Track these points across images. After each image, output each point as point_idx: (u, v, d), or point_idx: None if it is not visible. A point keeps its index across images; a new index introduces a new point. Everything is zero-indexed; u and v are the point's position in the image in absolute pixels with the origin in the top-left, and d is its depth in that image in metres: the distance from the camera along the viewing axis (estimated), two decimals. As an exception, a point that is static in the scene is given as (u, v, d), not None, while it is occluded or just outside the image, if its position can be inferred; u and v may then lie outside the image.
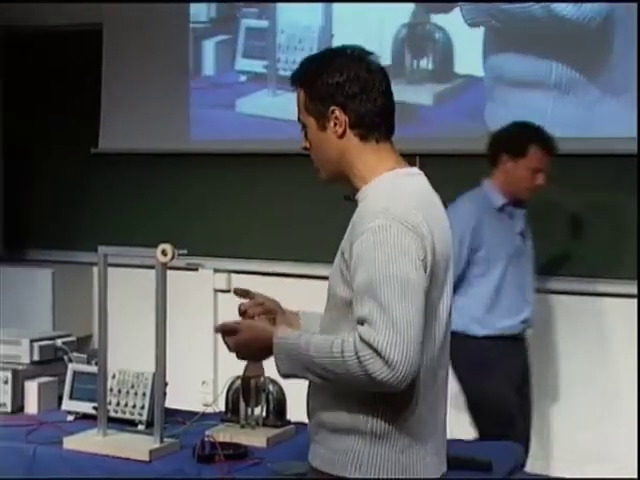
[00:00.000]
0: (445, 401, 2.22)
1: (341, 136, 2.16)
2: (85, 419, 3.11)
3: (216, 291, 5.33)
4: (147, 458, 2.77)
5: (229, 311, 5.38)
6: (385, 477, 2.08)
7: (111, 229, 5.45)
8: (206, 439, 2.79)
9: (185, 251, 2.75)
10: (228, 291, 5.28)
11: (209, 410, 3.22)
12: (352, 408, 2.10)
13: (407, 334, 1.96)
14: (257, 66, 5.12)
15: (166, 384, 2.95)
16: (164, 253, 2.74)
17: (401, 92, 4.67)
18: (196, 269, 5.25)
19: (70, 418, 3.17)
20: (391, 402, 2.07)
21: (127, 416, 3.08)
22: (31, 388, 3.29)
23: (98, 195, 5.60)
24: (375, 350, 1.95)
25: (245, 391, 2.99)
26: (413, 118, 4.68)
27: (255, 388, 2.99)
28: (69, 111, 5.65)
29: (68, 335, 3.59)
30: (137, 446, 2.83)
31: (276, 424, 3.04)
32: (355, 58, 2.17)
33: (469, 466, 2.71)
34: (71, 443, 2.89)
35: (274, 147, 5.00)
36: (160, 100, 5.35)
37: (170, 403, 3.04)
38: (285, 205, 5.14)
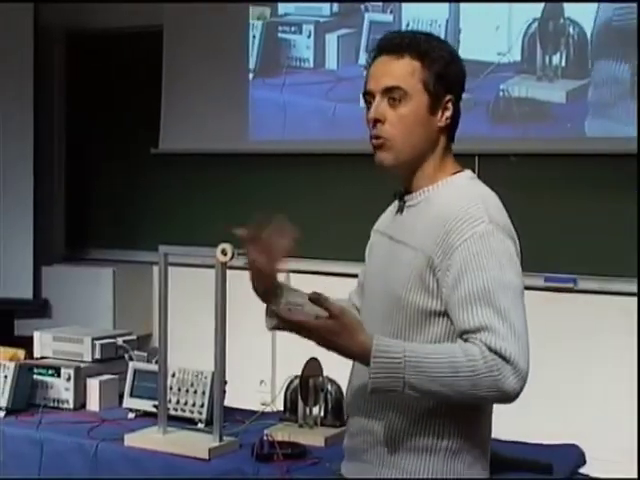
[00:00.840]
0: None
1: (442, 128, 2.12)
2: (145, 417, 3.14)
3: (275, 290, 5.34)
4: (206, 456, 2.78)
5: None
6: None
7: (171, 229, 5.49)
8: (265, 438, 2.80)
9: (244, 250, 2.76)
10: (288, 290, 5.29)
11: (267, 409, 3.24)
12: (431, 425, 2.03)
13: (525, 341, 1.92)
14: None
15: (225, 383, 2.96)
16: (224, 252, 2.75)
17: (531, 89, 4.61)
18: (255, 269, 5.28)
19: (131, 416, 3.20)
20: (470, 416, 2.03)
21: (187, 414, 3.10)
22: (93, 386, 3.33)
23: (158, 195, 5.65)
24: (504, 358, 1.88)
25: (303, 390, 2.99)
26: (544, 116, 4.57)
27: (314, 387, 3.00)
28: (130, 112, 5.71)
29: (129, 333, 3.63)
30: (197, 444, 2.84)
31: (334, 424, 3.04)
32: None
33: (530, 468, 2.69)
34: (132, 440, 2.92)
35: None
36: (221, 100, 5.38)
37: (229, 402, 3.06)
38: (347, 204, 5.12)
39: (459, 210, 2.02)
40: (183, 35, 5.48)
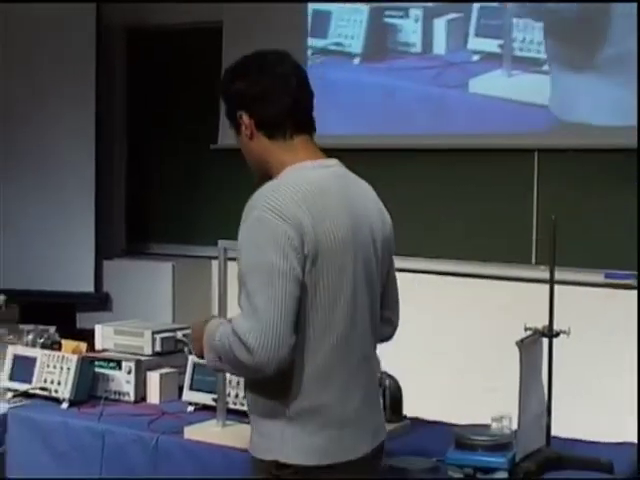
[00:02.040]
0: (366, 387, 2.28)
1: (251, 138, 2.30)
2: (204, 410, 3.16)
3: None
4: (265, 449, 2.80)
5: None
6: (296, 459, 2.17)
7: (230, 224, 5.50)
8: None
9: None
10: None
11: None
12: (269, 392, 2.21)
13: (268, 321, 2.07)
14: (491, 45, 4.91)
15: (283, 377, 2.97)
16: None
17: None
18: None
19: (190, 409, 3.23)
20: (301, 387, 2.17)
21: (245, 408, 3.11)
22: (153, 378, 3.37)
23: (218, 190, 5.69)
24: (238, 337, 2.09)
25: (361, 386, 2.99)
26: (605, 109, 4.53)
27: (371, 383, 2.99)
28: (190, 108, 5.76)
29: (188, 327, 3.65)
30: (255, 437, 2.86)
31: (392, 419, 3.03)
32: (262, 62, 2.37)
33: (590, 467, 2.66)
34: (191, 433, 2.95)
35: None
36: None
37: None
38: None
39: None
40: (242, 30, 5.50)
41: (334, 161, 2.34)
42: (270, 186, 2.23)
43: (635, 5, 4.38)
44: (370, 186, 2.41)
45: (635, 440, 2.90)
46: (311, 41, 5.41)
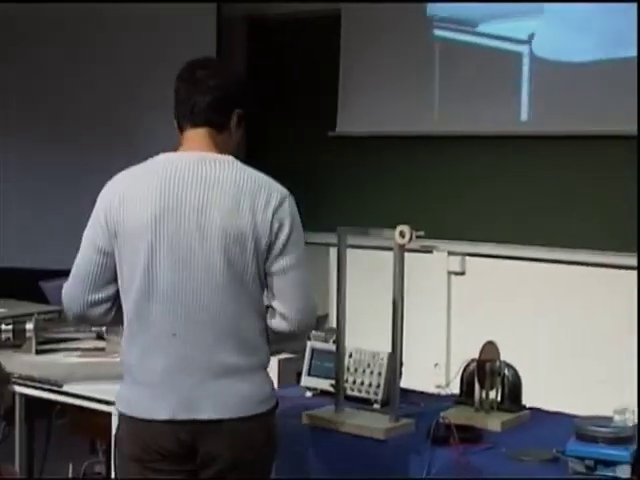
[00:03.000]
0: (176, 359, 2.46)
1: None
2: (322, 396, 3.18)
3: (450, 273, 5.32)
4: (383, 436, 2.81)
5: (463, 294, 5.45)
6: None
7: (348, 211, 5.55)
8: (441, 421, 2.80)
9: (422, 232, 2.77)
10: (462, 274, 5.27)
11: (442, 392, 3.24)
12: None
13: (72, 278, 2.59)
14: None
15: (401, 364, 2.98)
16: (402, 234, 2.76)
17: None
18: (430, 251, 5.27)
19: (308, 394, 3.26)
20: (121, 345, 2.58)
21: (363, 395, 3.13)
22: (272, 364, 3.38)
23: (335, 177, 5.72)
24: None
25: (480, 374, 2.97)
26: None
27: (490, 371, 2.97)
28: (308, 96, 5.80)
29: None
30: (373, 424, 2.87)
31: (511, 409, 3.00)
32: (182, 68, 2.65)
33: None
34: (310, 418, 2.97)
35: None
36: (399, 83, 5.38)
37: (403, 383, 3.06)
38: (523, 188, 5.04)
39: None
40: (361, 18, 5.51)
41: (197, 154, 2.55)
42: None
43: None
44: (253, 178, 2.62)
45: None
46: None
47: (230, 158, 2.60)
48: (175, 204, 2.47)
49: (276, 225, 2.53)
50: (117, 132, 5.64)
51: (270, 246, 2.52)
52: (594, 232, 4.73)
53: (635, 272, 4.52)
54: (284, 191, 2.65)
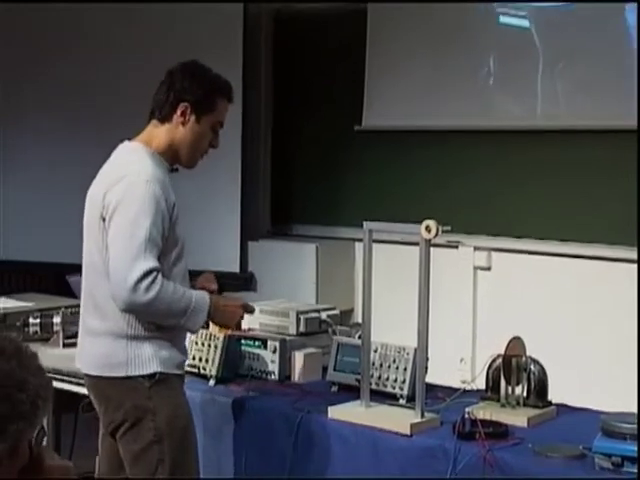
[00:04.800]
0: (85, 328, 2.92)
1: None
2: (348, 390, 3.19)
3: (476, 268, 5.30)
4: (408, 432, 2.81)
5: (488, 289, 5.41)
6: None
7: (374, 205, 5.54)
8: (467, 416, 2.80)
9: (449, 227, 2.76)
10: (488, 269, 5.25)
11: (468, 387, 3.23)
12: None
13: None
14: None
15: (427, 360, 2.97)
16: (428, 229, 2.76)
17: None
18: (456, 246, 5.26)
19: (334, 389, 3.27)
20: None
21: (388, 389, 3.13)
22: (298, 358, 3.41)
23: (361, 172, 5.70)
24: None
25: (506, 369, 2.97)
26: None
27: (516, 367, 2.97)
28: (334, 90, 5.79)
29: (332, 308, 3.69)
30: (398, 419, 2.87)
31: (537, 404, 2.99)
32: None
33: None
34: (335, 413, 2.98)
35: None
36: (426, 77, 5.37)
37: (429, 379, 3.06)
38: (551, 183, 5.01)
39: None
40: (387, 12, 5.49)
41: (128, 143, 2.95)
42: None
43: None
44: (122, 160, 2.91)
45: None
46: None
47: (134, 145, 2.93)
48: (92, 189, 2.96)
49: (107, 201, 2.81)
50: (139, 126, 5.65)
51: (104, 218, 2.80)
52: (622, 227, 4.70)
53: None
54: (124, 172, 2.85)
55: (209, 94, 2.94)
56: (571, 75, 4.91)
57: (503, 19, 5.18)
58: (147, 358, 2.79)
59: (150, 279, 2.69)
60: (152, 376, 2.79)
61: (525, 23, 5.09)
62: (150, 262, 2.70)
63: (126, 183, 2.77)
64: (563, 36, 4.93)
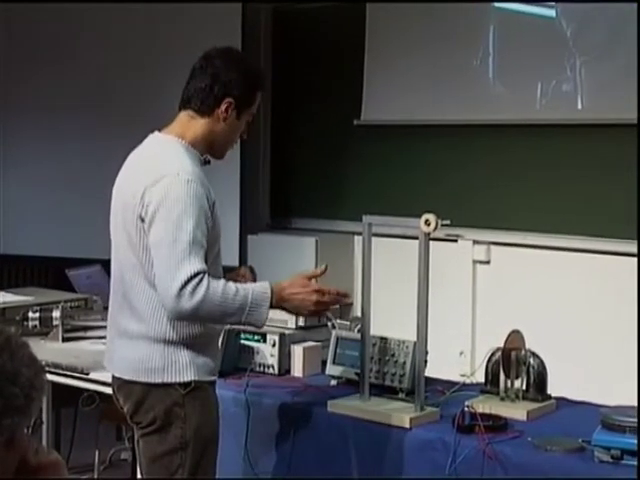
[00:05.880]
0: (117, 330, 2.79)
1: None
2: (347, 384, 3.19)
3: (475, 262, 5.30)
4: (408, 425, 2.81)
5: (488, 282, 5.42)
6: None
7: (373, 199, 5.54)
8: (466, 409, 2.80)
9: (448, 221, 2.76)
10: (487, 263, 5.25)
11: (467, 381, 3.23)
12: None
13: None
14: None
15: (427, 353, 2.98)
16: (427, 223, 2.75)
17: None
18: (455, 240, 5.26)
19: (333, 382, 3.27)
20: None
21: (387, 383, 3.13)
22: (297, 352, 3.41)
23: (361, 166, 5.70)
24: None
25: (506, 363, 2.97)
26: None
27: (516, 360, 2.97)
28: (333, 84, 5.78)
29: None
30: (398, 413, 2.87)
31: (536, 398, 2.99)
32: None
33: None
34: (335, 407, 2.97)
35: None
36: (424, 71, 5.36)
37: (428, 372, 3.06)
38: (548, 177, 5.01)
39: None
40: (386, 7, 5.49)
41: (159, 134, 2.79)
42: None
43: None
44: (157, 155, 2.73)
45: None
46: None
47: (168, 138, 2.77)
48: (120, 184, 2.83)
49: (146, 201, 2.64)
50: (140, 122, 5.64)
51: (142, 219, 2.65)
52: (622, 221, 4.70)
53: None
54: (163, 172, 2.67)
55: (252, 88, 2.80)
56: (570, 68, 4.91)
57: (501, 13, 5.18)
58: (184, 365, 2.68)
59: (195, 282, 2.55)
60: (188, 384, 2.69)
61: (524, 17, 5.09)
62: (195, 265, 2.56)
63: (167, 183, 2.61)
64: (562, 29, 4.93)
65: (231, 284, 2.64)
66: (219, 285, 2.60)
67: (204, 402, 2.73)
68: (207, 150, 2.82)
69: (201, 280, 2.56)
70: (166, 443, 2.69)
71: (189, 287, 2.54)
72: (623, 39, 4.68)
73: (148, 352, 2.68)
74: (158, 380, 2.67)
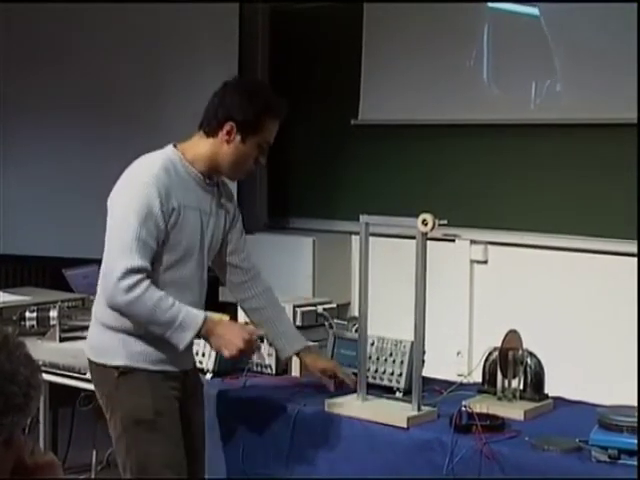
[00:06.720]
0: None
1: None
2: (345, 384, 3.18)
3: (472, 262, 5.30)
4: (405, 425, 2.81)
5: (485, 282, 5.42)
6: None
7: (370, 199, 5.54)
8: (464, 409, 2.80)
9: (445, 221, 2.76)
10: (485, 262, 5.25)
11: (464, 380, 3.23)
12: None
13: None
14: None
15: (424, 353, 2.98)
16: (424, 223, 2.76)
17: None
18: (453, 240, 5.26)
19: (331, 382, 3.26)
20: None
21: (385, 383, 3.13)
22: (294, 352, 3.40)
23: (358, 166, 5.71)
24: None
25: (503, 363, 2.97)
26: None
27: (513, 360, 2.97)
28: (331, 84, 5.78)
29: (329, 302, 3.68)
30: (395, 413, 2.87)
31: (534, 397, 3.00)
32: None
33: None
34: (332, 406, 2.97)
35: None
36: (422, 72, 5.36)
37: (426, 372, 3.06)
38: (545, 177, 5.02)
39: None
40: (384, 7, 5.49)
41: (170, 145, 2.89)
42: None
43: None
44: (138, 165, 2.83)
45: None
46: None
47: (169, 148, 2.88)
48: None
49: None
50: (139, 121, 5.66)
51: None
52: (622, 221, 4.70)
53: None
54: (129, 171, 2.83)
55: (258, 114, 2.86)
56: (568, 68, 4.91)
57: (498, 13, 5.18)
58: (117, 349, 2.81)
59: (133, 280, 2.64)
60: (119, 368, 2.81)
61: (520, 17, 5.09)
62: (136, 261, 2.65)
63: (126, 181, 2.79)
64: (559, 29, 4.93)
65: (170, 298, 2.71)
66: (157, 293, 2.69)
67: (137, 388, 2.80)
68: (213, 170, 2.90)
69: (141, 280, 2.65)
70: (114, 429, 2.86)
71: (127, 281, 2.64)
72: (621, 38, 4.68)
73: (92, 332, 2.90)
74: (99, 360, 2.85)
